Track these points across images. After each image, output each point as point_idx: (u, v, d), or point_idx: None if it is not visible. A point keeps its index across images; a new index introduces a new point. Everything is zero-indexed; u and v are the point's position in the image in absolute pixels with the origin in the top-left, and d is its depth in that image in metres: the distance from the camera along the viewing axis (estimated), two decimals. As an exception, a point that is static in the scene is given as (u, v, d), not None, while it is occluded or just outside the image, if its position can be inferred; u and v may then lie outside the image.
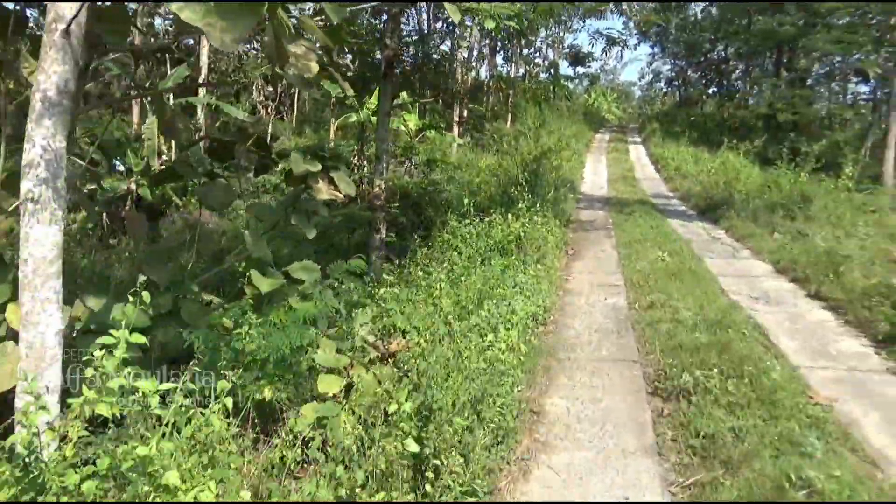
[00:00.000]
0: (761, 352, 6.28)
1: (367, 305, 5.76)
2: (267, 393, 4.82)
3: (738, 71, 41.86)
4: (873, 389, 5.64)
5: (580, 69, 59.19)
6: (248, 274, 5.85)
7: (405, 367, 4.84)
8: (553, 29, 53.63)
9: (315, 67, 5.77)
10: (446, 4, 8.07)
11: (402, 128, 25.23)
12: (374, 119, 25.00)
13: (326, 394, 4.80)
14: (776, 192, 17.87)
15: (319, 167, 7.83)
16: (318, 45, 6.52)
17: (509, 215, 10.23)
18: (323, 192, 8.07)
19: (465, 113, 32.75)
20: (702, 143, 29.93)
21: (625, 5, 54.49)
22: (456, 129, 30.93)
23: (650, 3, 49.11)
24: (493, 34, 40.94)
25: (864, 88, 33.62)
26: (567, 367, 6.24)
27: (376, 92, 20.18)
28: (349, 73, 17.28)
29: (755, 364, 5.65)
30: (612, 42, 47.27)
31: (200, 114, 25.43)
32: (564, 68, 57.00)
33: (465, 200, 10.62)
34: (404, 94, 21.39)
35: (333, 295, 5.85)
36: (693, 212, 17.27)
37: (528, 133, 32.38)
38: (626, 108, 70.24)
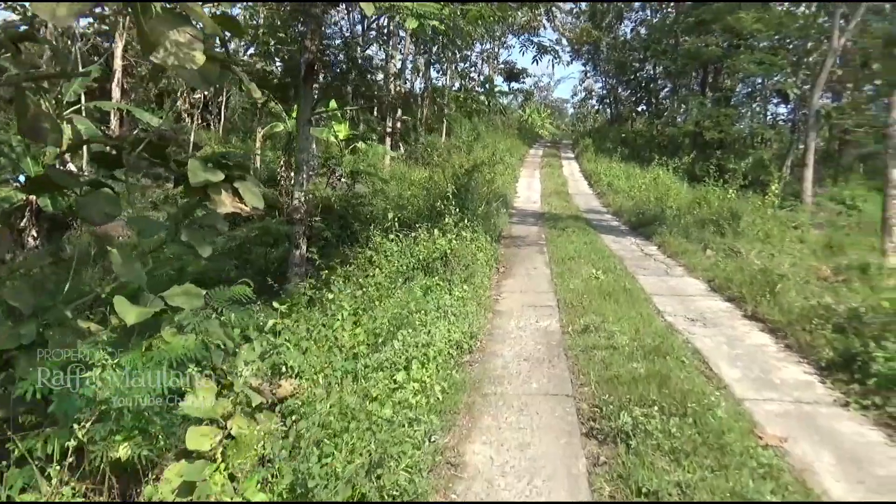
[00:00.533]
0: (703, 383, 5.71)
1: (257, 339, 4.85)
2: (122, 451, 3.90)
3: (665, 90, 42.83)
4: (822, 425, 5.12)
5: (515, 85, 59.78)
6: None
7: (292, 418, 3.97)
8: (487, 44, 54.03)
9: (200, 58, 4.85)
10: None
11: (332, 138, 24.31)
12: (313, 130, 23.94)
13: (198, 450, 3.91)
14: (706, 209, 17.86)
15: (221, 177, 6.88)
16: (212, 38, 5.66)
17: (435, 231, 9.47)
18: (226, 204, 7.09)
19: (399, 125, 32.09)
20: (633, 160, 30.19)
21: (557, 21, 55.33)
22: (388, 141, 30.18)
23: (582, 21, 50.05)
24: (422, 39, 40.51)
25: (782, 110, 34.92)
26: (493, 403, 5.50)
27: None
28: (274, 79, 16.25)
29: (698, 400, 5.05)
30: (543, 50, 47.58)
31: (113, 119, 23.80)
32: (499, 83, 57.31)
33: (390, 215, 9.83)
34: (333, 102, 20.45)
35: (220, 325, 4.95)
36: (626, 227, 17.00)
37: (461, 146, 32.01)
38: (560, 125, 71.24)
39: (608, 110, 55.94)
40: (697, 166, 26.20)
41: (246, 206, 7.94)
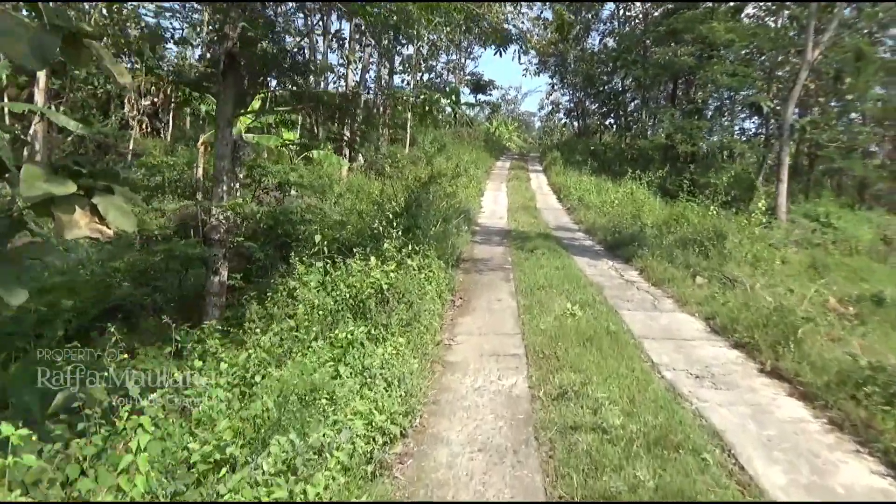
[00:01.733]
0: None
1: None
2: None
3: (634, 102, 41.65)
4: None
5: (481, 97, 58.29)
6: None
7: None
8: (453, 54, 52.48)
9: None
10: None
11: (272, 145, 22.14)
12: (248, 136, 21.72)
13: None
14: (686, 227, 16.26)
15: (71, 189, 4.75)
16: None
17: (372, 259, 7.42)
18: (79, 226, 4.96)
19: (358, 134, 30.07)
20: (603, 173, 28.60)
21: (529, 35, 53.95)
22: (345, 151, 28.12)
23: (549, 33, 48.76)
24: (382, 45, 38.61)
25: (749, 125, 33.74)
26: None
27: (254, 103, 17.27)
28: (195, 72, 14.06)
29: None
30: (507, 41, 46.22)
31: (36, 123, 21.33)
32: (466, 95, 55.75)
33: (317, 237, 7.80)
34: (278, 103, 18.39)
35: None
36: (600, 248, 15.20)
37: (424, 157, 30.10)
38: (527, 139, 69.95)
39: (575, 123, 54.73)
40: (669, 181, 24.68)
41: (108, 227, 5.72)
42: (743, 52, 28.19)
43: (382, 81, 41.24)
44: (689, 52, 27.02)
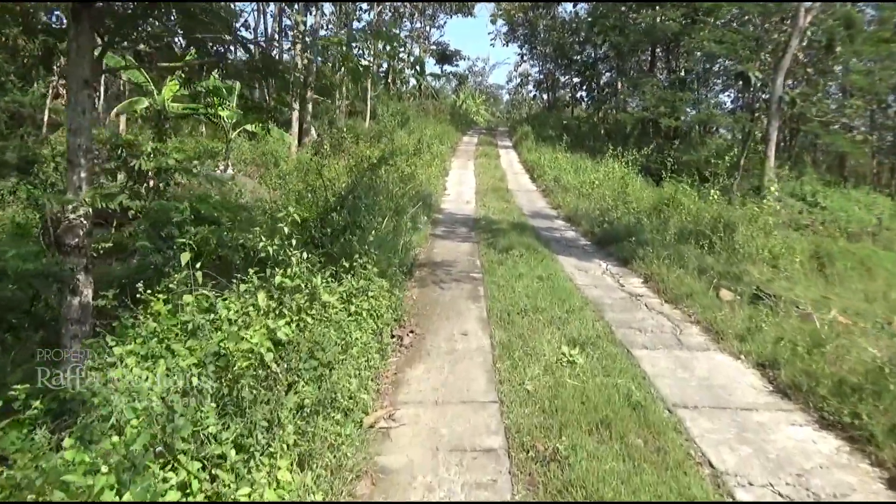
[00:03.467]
0: None
1: None
2: None
3: (608, 74, 39.04)
4: None
5: (447, 67, 55.03)
6: None
7: None
8: (417, 22, 49.03)
9: None
10: None
11: (212, 119, 18.99)
12: (174, 105, 18.52)
13: None
14: (681, 214, 13.86)
15: None
16: None
17: (260, 296, 4.56)
18: None
19: (309, 106, 26.84)
20: (578, 149, 25.99)
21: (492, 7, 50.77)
22: (295, 126, 24.94)
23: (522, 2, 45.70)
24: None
25: (723, 98, 31.28)
26: None
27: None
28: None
29: None
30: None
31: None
32: (431, 66, 52.51)
33: (184, 257, 4.96)
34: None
35: None
36: (587, 242, 12.61)
37: (384, 133, 27.07)
38: (495, 112, 66.98)
39: (545, 96, 51.94)
40: (651, 158, 22.18)
41: None
42: (729, 17, 25.72)
43: (341, 45, 37.86)
44: (673, 16, 24.34)
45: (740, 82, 26.65)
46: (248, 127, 18.84)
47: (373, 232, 7.73)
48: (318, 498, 3.43)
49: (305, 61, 26.63)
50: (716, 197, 14.75)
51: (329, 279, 5.85)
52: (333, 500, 3.59)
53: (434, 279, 8.76)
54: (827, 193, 25.57)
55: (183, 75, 18.25)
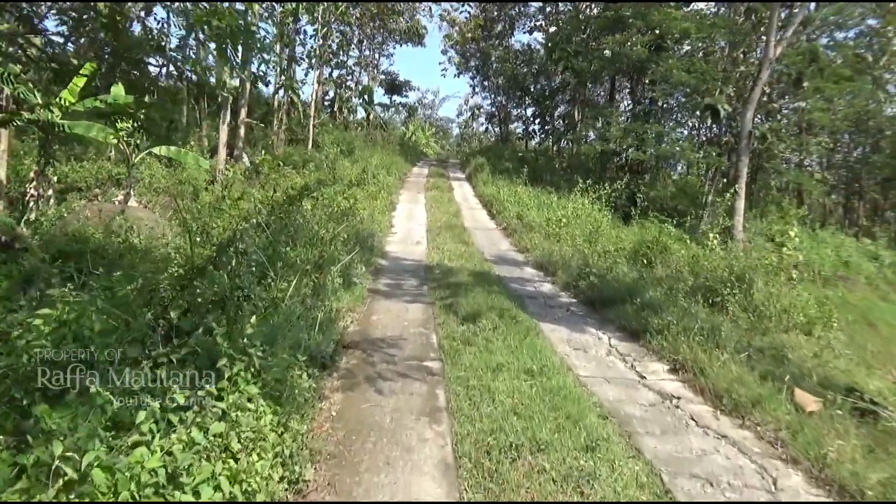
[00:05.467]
0: None
1: None
2: None
3: (562, 107, 37.11)
4: None
5: (397, 98, 52.56)
6: None
7: None
8: (366, 50, 46.49)
9: None
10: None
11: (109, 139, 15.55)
12: (63, 122, 15.31)
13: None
14: (665, 259, 11.46)
15: None
16: None
17: None
18: None
19: (241, 129, 23.54)
20: (537, 183, 23.47)
21: (443, 33, 48.67)
22: (222, 151, 21.59)
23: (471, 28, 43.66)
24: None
25: (682, 132, 29.38)
26: None
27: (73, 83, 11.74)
28: None
29: None
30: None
31: None
32: (380, 96, 49.91)
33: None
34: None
35: None
36: (570, 299, 9.75)
37: (324, 161, 23.98)
38: (444, 146, 64.77)
39: (498, 129, 49.87)
40: (617, 194, 19.76)
41: None
42: (700, 44, 23.96)
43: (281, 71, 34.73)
44: (642, 41, 22.28)
45: (707, 114, 24.89)
46: (157, 151, 15.52)
47: (265, 309, 4.67)
48: None
49: (236, 81, 23.45)
50: (715, 242, 12.32)
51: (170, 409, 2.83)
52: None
53: (369, 373, 5.69)
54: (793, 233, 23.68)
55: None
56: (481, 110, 52.97)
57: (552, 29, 33.35)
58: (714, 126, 26.28)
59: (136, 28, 30.22)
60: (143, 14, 30.44)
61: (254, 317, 4.32)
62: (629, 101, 29.99)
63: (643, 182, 22.02)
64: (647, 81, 24.69)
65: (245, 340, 3.99)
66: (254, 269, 5.51)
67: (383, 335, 6.85)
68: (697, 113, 24.29)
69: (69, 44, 27.12)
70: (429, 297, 8.90)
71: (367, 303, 8.23)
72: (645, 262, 11.80)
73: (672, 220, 15.44)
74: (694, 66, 22.28)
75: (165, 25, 30.92)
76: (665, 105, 24.42)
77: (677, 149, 23.22)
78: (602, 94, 32.94)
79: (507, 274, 11.35)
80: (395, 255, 12.41)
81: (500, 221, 17.99)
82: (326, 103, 43.60)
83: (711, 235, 12.89)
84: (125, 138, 14.77)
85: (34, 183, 14.88)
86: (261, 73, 37.45)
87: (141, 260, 8.44)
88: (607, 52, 23.46)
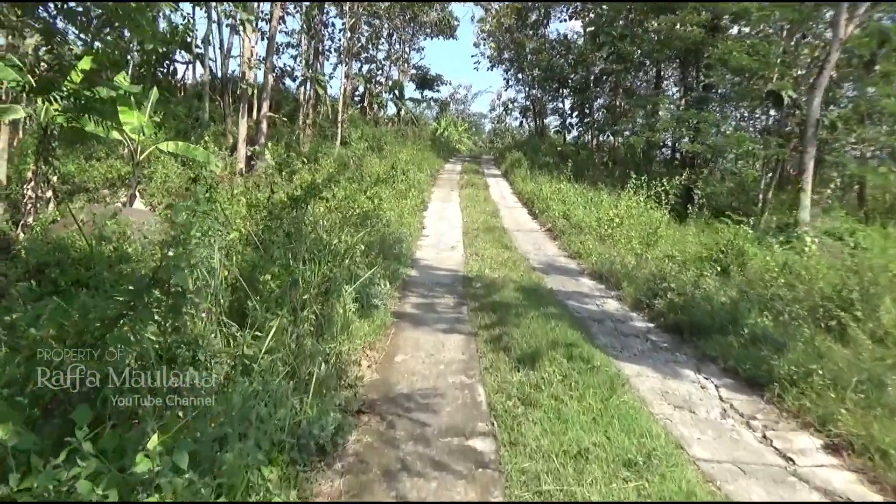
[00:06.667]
0: None
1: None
2: None
3: (600, 100, 34.67)
4: None
5: (428, 93, 50.61)
6: None
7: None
8: (396, 44, 44.70)
9: None
10: None
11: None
12: (59, 119, 13.78)
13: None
14: (744, 267, 9.40)
15: None
16: None
17: None
18: None
19: (264, 122, 21.84)
20: (579, 179, 21.26)
21: (476, 26, 46.59)
22: (241, 147, 19.95)
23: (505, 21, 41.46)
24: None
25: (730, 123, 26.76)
26: None
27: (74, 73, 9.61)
28: None
29: None
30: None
31: None
32: (411, 91, 48.08)
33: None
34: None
35: None
36: (647, 323, 7.67)
37: (352, 157, 22.17)
38: (477, 141, 62.63)
39: (532, 123, 47.61)
40: (673, 190, 17.46)
41: None
42: (761, 25, 21.46)
43: (307, 63, 33.08)
44: (699, 20, 19.92)
45: (769, 102, 22.40)
46: (163, 146, 13.86)
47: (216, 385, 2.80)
48: None
49: (249, 73, 21.79)
50: (814, 247, 10.14)
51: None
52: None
53: (387, 463, 3.74)
54: (864, 232, 21.14)
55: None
56: (515, 104, 50.78)
57: (591, 15, 31.05)
58: (768, 115, 23.81)
59: (162, 25, 29.05)
60: (168, 11, 29.24)
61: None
62: (677, 89, 27.55)
63: (700, 176, 19.64)
64: (701, 66, 22.27)
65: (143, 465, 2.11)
66: (212, 307, 3.69)
67: (411, 388, 4.91)
68: (746, 101, 21.79)
69: (96, 44, 25.88)
70: (469, 322, 6.94)
71: (390, 334, 6.30)
72: (719, 269, 9.70)
73: (731, 219, 13.34)
74: (755, 48, 19.87)
75: (191, 20, 29.64)
76: (720, 92, 21.98)
77: (736, 139, 20.80)
78: (646, 82, 30.49)
79: (560, 287, 9.33)
80: (426, 264, 10.48)
81: (543, 222, 15.93)
82: (356, 98, 41.97)
83: (809, 238, 10.73)
84: (129, 133, 13.17)
85: (31, 184, 13.41)
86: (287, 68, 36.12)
87: (121, 277, 6.68)
88: (657, 35, 21.13)
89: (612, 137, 30.91)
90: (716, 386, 5.51)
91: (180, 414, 2.87)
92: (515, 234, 14.19)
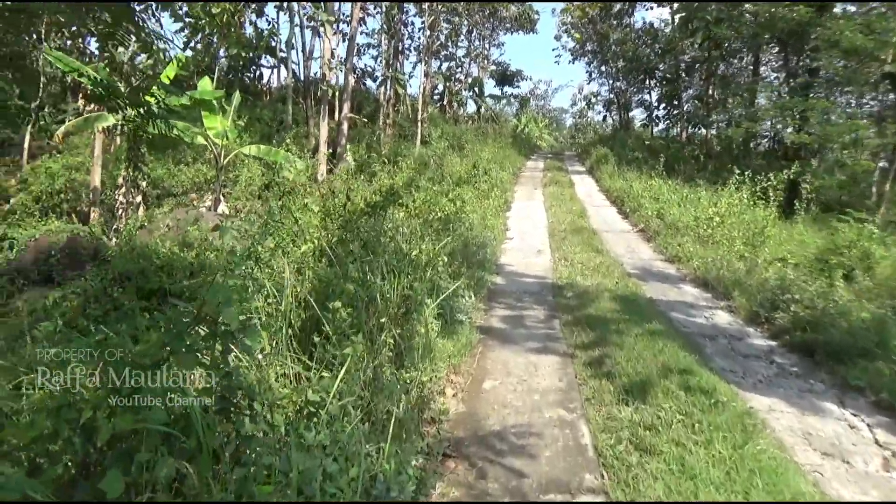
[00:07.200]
0: None
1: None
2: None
3: (690, 91, 32.63)
4: None
5: (508, 89, 49.70)
6: None
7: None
8: (476, 41, 44.09)
9: None
10: None
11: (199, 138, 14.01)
12: (159, 124, 13.88)
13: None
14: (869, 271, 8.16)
15: None
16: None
17: None
18: None
19: (345, 125, 21.77)
20: (671, 174, 19.84)
21: (557, 18, 45.22)
22: (323, 149, 19.92)
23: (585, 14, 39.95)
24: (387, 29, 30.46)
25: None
26: None
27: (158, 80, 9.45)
28: None
29: None
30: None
31: None
32: (491, 87, 47.37)
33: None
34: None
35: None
36: (770, 341, 6.63)
37: (432, 157, 21.74)
38: (558, 137, 61.01)
39: (616, 116, 45.78)
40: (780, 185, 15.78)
41: None
42: (873, 3, 19.31)
43: (387, 63, 33.05)
44: (806, -1, 18.10)
45: (886, 84, 20.22)
46: (245, 150, 13.88)
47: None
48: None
49: (330, 75, 21.74)
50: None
51: None
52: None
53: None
54: None
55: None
56: (598, 97, 49.00)
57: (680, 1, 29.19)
58: (882, 100, 21.41)
59: (248, 31, 29.80)
60: (254, 17, 29.98)
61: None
62: (776, 75, 25.39)
63: (809, 168, 17.82)
64: (806, 49, 20.33)
65: None
66: (273, 341, 3.20)
67: (502, 424, 4.26)
68: (856, 86, 19.63)
69: (187, 51, 26.88)
70: (563, 340, 6.21)
71: (476, 354, 5.68)
72: (843, 275, 8.48)
73: (850, 216, 11.82)
74: (870, 26, 17.85)
75: (275, 25, 30.22)
76: (826, 76, 19.92)
77: (849, 127, 18.77)
78: (738, 69, 28.36)
79: (661, 296, 8.42)
80: (511, 270, 9.80)
81: (634, 221, 14.87)
82: (436, 97, 41.69)
83: None
84: (213, 137, 13.24)
85: (122, 189, 13.75)
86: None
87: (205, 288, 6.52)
88: (759, 17, 19.40)
89: (703, 129, 28.99)
90: (868, 426, 4.55)
91: (232, 476, 2.36)
92: (605, 235, 13.25)
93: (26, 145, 17.50)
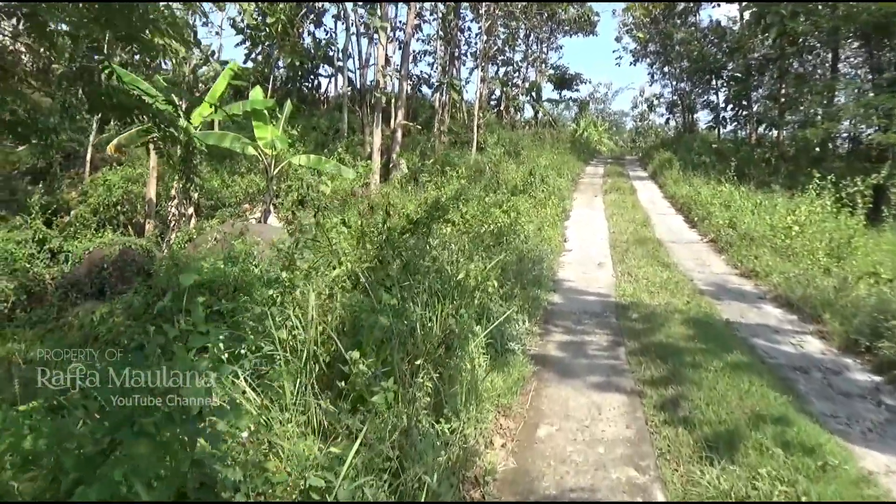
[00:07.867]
0: None
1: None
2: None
3: (760, 91, 30.80)
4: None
5: (566, 93, 48.44)
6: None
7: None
8: (533, 45, 43.19)
9: None
10: None
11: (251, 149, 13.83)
12: (201, 135, 13.97)
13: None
14: None
15: None
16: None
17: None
18: None
19: (398, 132, 21.40)
20: (742, 180, 18.47)
21: (618, 19, 43.85)
22: (376, 157, 19.58)
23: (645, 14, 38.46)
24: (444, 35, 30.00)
25: None
26: None
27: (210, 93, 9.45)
28: None
29: None
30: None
31: None
32: (549, 92, 46.26)
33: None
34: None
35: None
36: (873, 376, 5.65)
37: (488, 164, 21.06)
38: (618, 141, 59.18)
39: (680, 119, 43.89)
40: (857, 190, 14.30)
41: None
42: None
43: (444, 69, 32.66)
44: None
45: None
46: (295, 161, 13.61)
47: None
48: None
49: (384, 82, 21.39)
50: None
51: None
52: None
53: None
54: None
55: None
56: (661, 99, 47.18)
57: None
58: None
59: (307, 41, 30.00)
60: (312, 27, 30.18)
61: None
62: (857, 71, 23.50)
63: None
64: (894, 43, 18.66)
65: None
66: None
67: (560, 489, 3.57)
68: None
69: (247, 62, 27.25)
70: (630, 373, 5.45)
71: (529, 391, 5.00)
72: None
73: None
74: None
75: (333, 34, 30.27)
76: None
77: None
78: (813, 66, 26.45)
79: (739, 318, 7.49)
80: (570, 286, 9.04)
81: (703, 231, 13.78)
82: (492, 103, 41.01)
83: None
84: (263, 147, 13.03)
85: (175, 201, 13.71)
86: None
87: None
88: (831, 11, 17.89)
89: (774, 131, 27.21)
90: None
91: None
92: (672, 246, 12.27)
93: (89, 157, 17.85)
